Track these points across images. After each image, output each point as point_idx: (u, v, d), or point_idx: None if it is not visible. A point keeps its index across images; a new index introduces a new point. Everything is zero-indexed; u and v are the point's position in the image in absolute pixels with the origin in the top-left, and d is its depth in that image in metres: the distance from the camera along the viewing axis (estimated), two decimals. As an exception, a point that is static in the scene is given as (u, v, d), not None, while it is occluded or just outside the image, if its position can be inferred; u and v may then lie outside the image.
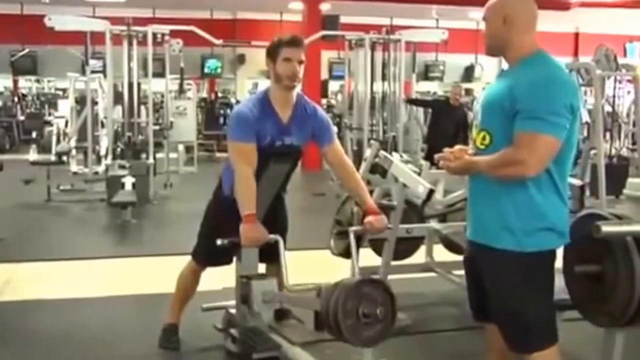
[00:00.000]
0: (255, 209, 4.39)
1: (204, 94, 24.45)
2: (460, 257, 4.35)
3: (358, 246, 4.70)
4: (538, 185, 3.28)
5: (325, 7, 18.48)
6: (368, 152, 6.27)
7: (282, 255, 4.49)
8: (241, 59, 24.57)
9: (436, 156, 3.57)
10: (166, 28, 13.37)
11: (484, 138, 3.40)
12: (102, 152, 13.76)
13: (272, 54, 4.64)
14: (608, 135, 13.77)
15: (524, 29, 3.39)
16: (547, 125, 3.16)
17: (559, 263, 3.52)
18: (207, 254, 5.05)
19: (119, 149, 12.61)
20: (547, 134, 3.17)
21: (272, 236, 4.48)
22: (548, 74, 3.28)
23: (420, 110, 16.32)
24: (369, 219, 4.62)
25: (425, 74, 24.47)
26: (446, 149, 3.53)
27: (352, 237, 4.57)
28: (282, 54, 4.58)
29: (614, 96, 14.47)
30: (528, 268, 3.34)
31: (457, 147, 3.56)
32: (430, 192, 5.04)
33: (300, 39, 4.74)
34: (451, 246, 6.63)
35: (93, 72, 14.37)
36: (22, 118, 23.14)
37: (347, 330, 3.76)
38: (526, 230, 3.30)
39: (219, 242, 4.49)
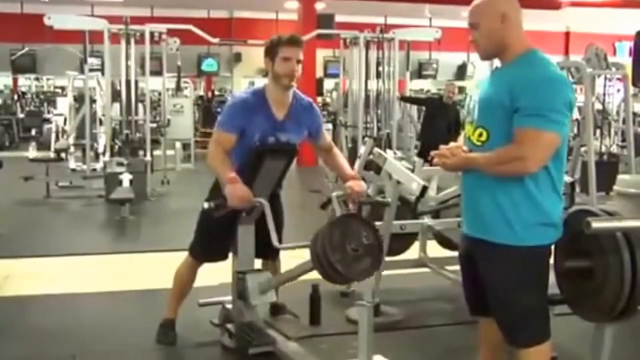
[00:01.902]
0: (234, 173, 4.42)
1: (201, 92, 24.48)
2: (453, 253, 4.40)
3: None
4: (535, 180, 3.31)
5: (320, 6, 18.50)
6: (362, 149, 6.32)
7: (269, 218, 4.43)
8: (237, 58, 24.57)
9: (432, 153, 3.58)
10: (163, 27, 13.40)
11: (480, 135, 3.42)
12: (100, 150, 13.80)
13: (270, 52, 4.66)
14: (598, 132, 13.83)
15: (518, 25, 3.42)
16: (548, 122, 3.20)
17: (550, 258, 3.55)
18: (204, 250, 5.08)
19: (116, 146, 12.62)
20: (548, 130, 3.21)
21: (258, 199, 4.47)
22: (546, 71, 3.31)
23: (414, 108, 16.36)
24: (349, 183, 4.66)
25: (419, 72, 24.50)
26: (442, 146, 3.54)
27: (334, 201, 4.58)
28: (281, 53, 4.60)
29: (604, 94, 14.56)
30: (526, 262, 3.38)
31: (453, 143, 3.57)
32: (424, 189, 5.06)
33: (299, 38, 4.76)
34: (444, 242, 6.69)
35: (91, 70, 14.38)
36: (21, 116, 23.22)
37: (338, 264, 3.80)
38: (525, 225, 3.34)
39: (205, 205, 4.52)
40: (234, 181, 4.38)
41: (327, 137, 5.12)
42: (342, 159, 5.00)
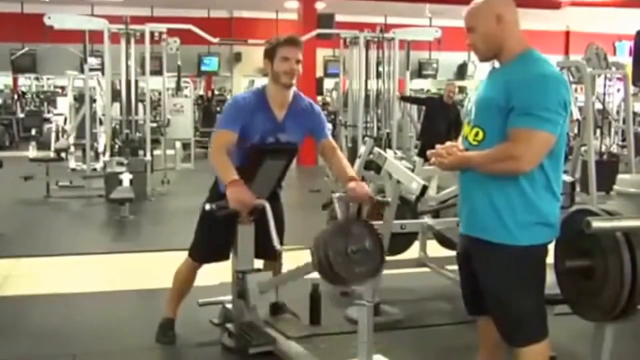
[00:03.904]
0: (237, 175, 4.42)
1: (201, 92, 24.47)
2: (453, 253, 4.39)
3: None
4: (530, 179, 3.31)
5: (320, 6, 18.49)
6: (362, 149, 6.33)
7: (270, 219, 4.41)
8: (237, 57, 24.60)
9: (428, 152, 3.57)
10: (163, 27, 13.40)
11: (476, 134, 3.42)
12: (100, 149, 13.82)
13: (270, 53, 4.69)
14: (598, 132, 13.84)
15: (515, 25, 3.42)
16: (542, 122, 3.20)
17: (550, 258, 3.55)
18: (204, 251, 5.09)
19: (116, 146, 12.64)
20: (542, 129, 3.20)
21: (259, 201, 4.46)
22: (542, 71, 3.30)
23: (414, 107, 16.34)
24: (351, 185, 4.58)
25: (419, 72, 24.53)
26: (438, 145, 3.54)
27: (335, 202, 4.52)
28: (281, 53, 4.63)
29: (604, 94, 14.56)
30: (522, 261, 3.38)
31: (449, 143, 3.56)
32: (424, 189, 5.07)
33: (298, 38, 4.80)
34: (444, 242, 6.70)
35: (91, 70, 14.34)
36: (21, 115, 23.25)
37: (339, 268, 3.81)
38: (520, 224, 3.33)
39: (207, 206, 4.52)
40: (236, 184, 4.39)
41: (332, 142, 5.04)
42: (342, 160, 4.95)
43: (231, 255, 5.01)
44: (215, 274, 5.68)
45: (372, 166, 6.61)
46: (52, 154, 13.62)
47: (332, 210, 5.95)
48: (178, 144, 15.27)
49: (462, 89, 22.74)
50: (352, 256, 3.86)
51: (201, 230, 5.07)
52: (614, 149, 15.21)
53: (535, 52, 3.42)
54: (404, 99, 15.14)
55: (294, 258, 4.82)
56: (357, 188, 4.56)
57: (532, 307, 3.44)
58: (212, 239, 4.97)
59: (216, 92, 25.29)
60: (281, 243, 4.79)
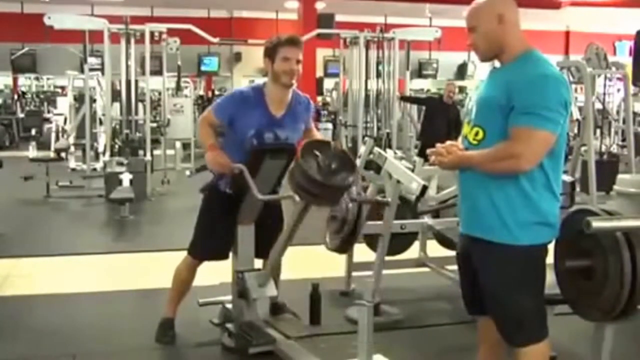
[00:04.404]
0: (215, 141, 4.69)
1: (201, 92, 24.45)
2: (453, 253, 4.40)
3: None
4: (530, 179, 3.31)
5: (320, 6, 18.52)
6: (362, 149, 6.31)
7: (248, 178, 4.50)
8: (237, 57, 24.62)
9: (428, 151, 3.57)
10: (163, 26, 13.41)
11: (477, 134, 3.42)
12: (100, 149, 13.85)
13: (270, 53, 4.70)
14: (598, 132, 13.85)
15: (517, 24, 3.41)
16: (543, 120, 3.19)
17: (550, 258, 3.55)
18: (203, 249, 5.08)
19: (116, 146, 12.65)
20: (542, 128, 3.20)
21: (236, 165, 4.55)
22: (543, 71, 3.30)
23: (414, 107, 16.35)
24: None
25: (419, 72, 24.57)
26: (438, 145, 3.53)
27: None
28: (281, 53, 4.64)
29: (604, 94, 14.56)
30: (522, 261, 3.37)
31: (449, 142, 3.55)
32: (424, 189, 5.06)
33: (299, 38, 4.81)
34: (444, 242, 6.70)
35: (91, 70, 14.35)
36: (21, 115, 23.24)
37: (322, 178, 4.01)
38: (520, 224, 3.33)
39: (187, 172, 4.64)
40: (212, 148, 4.64)
41: (313, 128, 5.22)
42: (316, 133, 5.21)
43: (231, 255, 5.01)
44: (215, 274, 5.69)
45: (372, 166, 6.59)
46: (52, 154, 13.63)
47: (332, 210, 5.95)
48: (178, 144, 15.28)
49: (462, 89, 22.76)
50: (326, 168, 4.07)
51: (200, 227, 5.08)
52: (614, 149, 15.23)
53: (536, 52, 3.42)
54: (404, 99, 15.15)
55: (294, 257, 4.83)
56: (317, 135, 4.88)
57: (532, 307, 3.43)
58: (211, 236, 4.97)
59: (216, 92, 25.26)
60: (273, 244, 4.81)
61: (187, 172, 4.60)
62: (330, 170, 4.06)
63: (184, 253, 5.20)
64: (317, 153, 4.07)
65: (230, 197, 4.70)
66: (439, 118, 12.45)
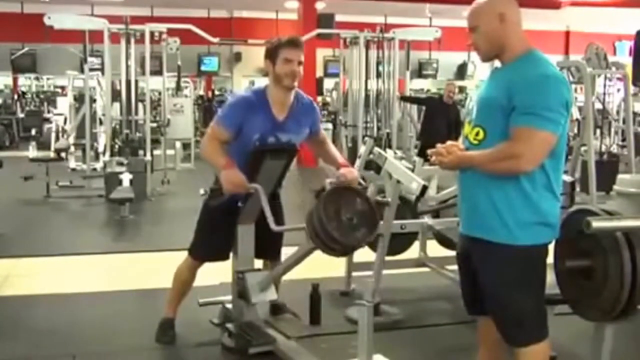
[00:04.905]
0: (228, 159, 4.51)
1: (201, 92, 24.45)
2: (453, 253, 4.40)
3: None
4: (531, 179, 3.31)
5: (320, 6, 18.50)
6: (362, 149, 6.31)
7: (264, 203, 4.45)
8: (237, 57, 24.59)
9: (429, 151, 3.57)
10: (163, 26, 13.40)
11: (477, 134, 3.42)
12: (100, 149, 13.85)
13: (271, 54, 4.66)
14: (598, 132, 13.85)
15: (518, 24, 3.42)
16: (544, 121, 3.19)
17: (550, 258, 3.55)
18: (204, 250, 5.08)
19: (116, 146, 12.65)
20: (543, 129, 3.20)
21: (252, 185, 4.48)
22: (544, 71, 3.30)
23: (414, 107, 16.36)
24: (341, 171, 4.65)
25: (419, 72, 24.59)
26: (439, 145, 3.53)
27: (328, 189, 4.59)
28: (282, 54, 4.61)
29: (604, 94, 14.56)
30: (522, 261, 3.37)
31: (450, 142, 3.56)
32: (424, 189, 5.06)
33: (300, 39, 4.78)
34: (444, 242, 6.70)
35: (91, 70, 14.36)
36: (21, 115, 23.25)
37: (335, 232, 3.86)
38: (520, 224, 3.33)
39: (201, 191, 4.56)
40: (228, 166, 4.46)
41: (322, 132, 5.14)
42: (333, 150, 5.09)
43: (231, 255, 5.01)
44: (215, 274, 5.69)
45: (372, 166, 6.59)
46: (52, 154, 13.63)
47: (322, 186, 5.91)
48: (178, 144, 15.29)
49: (462, 89, 22.80)
50: (346, 222, 3.93)
51: (201, 228, 5.07)
52: (614, 149, 15.23)
53: (537, 52, 3.42)
54: (404, 99, 15.16)
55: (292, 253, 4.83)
56: (347, 174, 4.64)
57: (532, 308, 3.44)
58: (212, 237, 4.96)
59: (216, 92, 25.28)
60: (281, 243, 4.80)
61: (201, 191, 4.52)
62: (351, 225, 3.96)
63: (184, 253, 5.20)
64: (342, 202, 3.98)
65: (230, 198, 4.67)
66: (439, 118, 12.45)
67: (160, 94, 16.21)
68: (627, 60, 11.92)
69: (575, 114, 14.38)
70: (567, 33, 28.12)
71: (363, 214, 4.00)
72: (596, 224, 3.45)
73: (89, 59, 14.55)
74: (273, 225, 4.41)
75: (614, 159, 13.15)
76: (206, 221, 4.99)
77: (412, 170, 6.00)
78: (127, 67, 12.86)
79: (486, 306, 3.55)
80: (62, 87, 23.99)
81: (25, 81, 26.77)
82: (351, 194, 4.08)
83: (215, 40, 14.33)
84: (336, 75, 18.96)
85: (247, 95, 4.79)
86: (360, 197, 4.06)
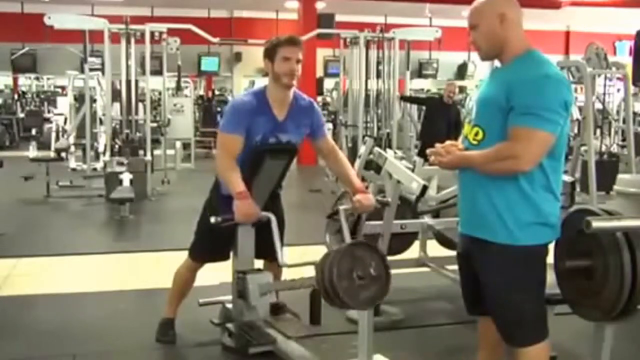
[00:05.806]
0: (244, 187, 4.47)
1: (201, 92, 24.49)
2: (453, 253, 4.40)
3: (348, 225, 4.70)
4: (530, 179, 3.31)
5: (320, 6, 18.53)
6: (363, 149, 6.32)
7: (276, 234, 4.49)
8: (238, 57, 24.61)
9: (428, 151, 3.57)
10: (164, 26, 13.39)
11: (476, 134, 3.42)
12: (101, 149, 13.83)
13: (270, 53, 4.66)
14: (598, 132, 13.85)
15: (518, 24, 3.42)
16: (542, 121, 3.19)
17: (550, 258, 3.55)
18: (204, 251, 5.09)
19: (117, 146, 12.63)
20: (541, 129, 3.20)
21: (264, 213, 4.51)
22: (543, 71, 3.30)
23: (414, 107, 16.38)
24: (357, 197, 4.65)
25: (419, 72, 24.60)
26: (438, 144, 3.53)
27: (342, 215, 4.55)
28: (281, 53, 4.61)
29: (604, 93, 14.55)
30: (522, 261, 3.38)
31: (448, 142, 3.56)
32: (424, 188, 5.06)
33: (298, 38, 4.77)
34: (444, 242, 6.69)
35: (91, 70, 14.38)
36: (21, 115, 23.26)
37: (343, 293, 3.74)
38: (520, 224, 3.33)
39: (212, 219, 4.52)
40: (243, 197, 4.45)
41: (330, 139, 5.08)
42: (347, 168, 4.97)
43: (231, 255, 5.01)
44: (215, 274, 5.68)
45: (372, 166, 6.60)
46: (52, 154, 13.62)
47: (336, 219, 5.93)
48: (178, 144, 15.30)
49: (462, 89, 22.80)
50: (356, 281, 3.81)
51: (201, 231, 5.07)
52: (614, 149, 15.22)
53: (537, 52, 3.42)
54: (404, 98, 15.15)
55: (294, 257, 4.81)
56: (364, 200, 4.63)
57: (532, 308, 3.44)
58: (212, 239, 4.95)
59: (216, 92, 25.29)
60: (282, 243, 4.79)
61: (212, 219, 4.50)
62: (361, 285, 3.84)
63: (184, 253, 5.21)
64: (356, 259, 3.85)
65: (231, 199, 4.66)
66: (439, 118, 12.43)
67: (160, 93, 16.24)
68: (627, 60, 11.94)
69: (576, 114, 14.39)
70: (567, 33, 28.15)
71: (376, 275, 3.85)
72: (596, 224, 3.43)
73: (89, 59, 14.58)
74: (280, 257, 4.48)
75: (614, 159, 13.14)
76: (207, 224, 4.97)
77: (412, 170, 6.00)
78: (127, 67, 12.85)
79: (486, 306, 3.55)
80: (62, 87, 24.03)
81: (26, 81, 26.81)
82: (367, 252, 3.92)
83: (216, 40, 14.33)
84: (336, 75, 18.97)
85: (246, 98, 4.77)
86: (376, 256, 3.91)
